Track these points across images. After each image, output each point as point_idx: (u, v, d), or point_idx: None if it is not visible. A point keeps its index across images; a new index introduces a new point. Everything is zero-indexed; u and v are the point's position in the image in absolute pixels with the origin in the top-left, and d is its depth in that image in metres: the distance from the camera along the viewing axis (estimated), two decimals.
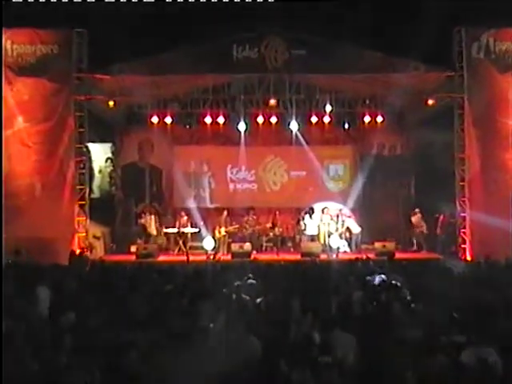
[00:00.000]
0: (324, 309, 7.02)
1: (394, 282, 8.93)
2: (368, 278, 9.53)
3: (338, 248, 17.19)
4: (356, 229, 17.79)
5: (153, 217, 18.33)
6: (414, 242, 17.87)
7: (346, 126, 18.07)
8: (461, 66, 15.69)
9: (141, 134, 18.45)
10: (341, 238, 17.83)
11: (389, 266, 11.61)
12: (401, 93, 16.34)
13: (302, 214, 18.03)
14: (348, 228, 17.78)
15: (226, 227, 17.97)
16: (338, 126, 18.37)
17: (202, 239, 17.84)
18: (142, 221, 18.35)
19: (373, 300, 7.74)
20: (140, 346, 5.35)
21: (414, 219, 18.08)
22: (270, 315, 6.86)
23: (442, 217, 17.39)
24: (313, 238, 17.51)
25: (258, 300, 7.94)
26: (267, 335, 5.91)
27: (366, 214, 19.04)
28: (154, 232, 18.17)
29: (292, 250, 18.62)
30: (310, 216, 17.70)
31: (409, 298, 8.03)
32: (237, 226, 18.22)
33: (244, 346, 5.78)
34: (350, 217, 18.22)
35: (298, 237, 18.16)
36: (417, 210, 18.08)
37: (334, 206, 18.33)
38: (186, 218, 18.16)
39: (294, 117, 18.37)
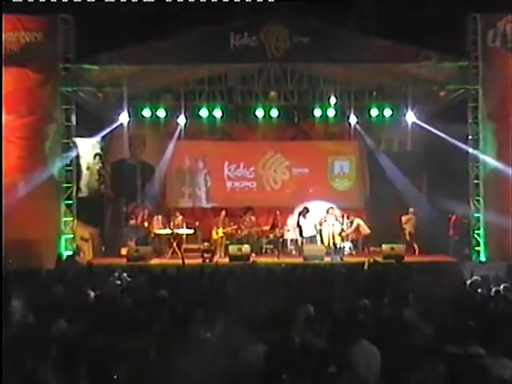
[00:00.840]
0: (341, 315, 6.98)
1: None
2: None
3: (344, 250, 17.14)
4: (366, 230, 17.72)
5: (145, 217, 18.27)
6: (415, 245, 17.86)
7: (352, 119, 18.02)
8: (475, 55, 15.61)
9: (132, 128, 18.38)
10: (346, 239, 17.80)
11: (397, 270, 11.56)
12: (411, 84, 16.33)
13: (296, 215, 17.98)
14: (357, 229, 17.69)
15: (224, 228, 17.92)
16: (343, 119, 18.30)
17: (197, 241, 17.80)
18: (133, 221, 18.31)
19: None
20: (129, 357, 5.31)
21: (403, 218, 18.07)
22: (272, 324, 6.80)
23: (454, 217, 17.34)
24: (312, 240, 17.48)
25: (260, 307, 7.87)
26: (269, 346, 5.86)
27: (373, 214, 19.00)
28: (147, 233, 18.12)
29: (294, 252, 18.59)
30: (304, 216, 17.63)
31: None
32: (235, 226, 18.18)
33: (244, 357, 5.73)
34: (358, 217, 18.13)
35: (299, 239, 18.12)
36: (411, 209, 18.06)
37: (324, 206, 18.30)
38: (180, 218, 18.14)
39: (296, 110, 18.35)
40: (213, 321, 6.68)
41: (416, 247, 17.74)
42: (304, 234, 17.57)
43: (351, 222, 17.87)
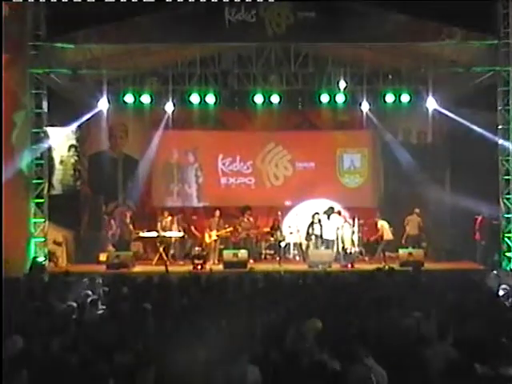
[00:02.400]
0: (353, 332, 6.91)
1: None
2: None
3: (355, 256, 17.07)
4: (390, 235, 17.56)
5: (127, 218, 18.21)
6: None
7: (364, 106, 17.93)
8: (506, 31, 15.53)
9: (112, 116, 18.29)
10: (358, 244, 17.72)
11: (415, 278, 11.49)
12: (432, 66, 16.25)
13: (316, 214, 17.87)
14: (380, 232, 17.52)
15: (218, 231, 17.86)
16: (354, 106, 18.24)
17: (187, 245, 17.72)
18: (114, 223, 18.22)
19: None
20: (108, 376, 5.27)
21: (406, 219, 18.00)
22: (275, 342, 6.73)
23: (481, 218, 17.25)
24: (327, 245, 17.43)
25: (260, 322, 7.81)
26: (272, 367, 5.80)
27: (387, 214, 18.91)
28: (129, 236, 18.07)
29: (298, 258, 18.54)
30: (328, 217, 17.60)
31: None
32: (230, 229, 18.12)
33: (241, 380, 5.65)
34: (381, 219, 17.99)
35: (305, 243, 18.06)
36: (417, 209, 17.97)
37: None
38: (168, 219, 18.06)
39: (300, 96, 18.26)
40: (203, 340, 6.58)
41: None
42: (325, 237, 17.37)
43: (373, 224, 17.74)
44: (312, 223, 17.52)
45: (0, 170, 14.59)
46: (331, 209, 17.90)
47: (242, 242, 17.97)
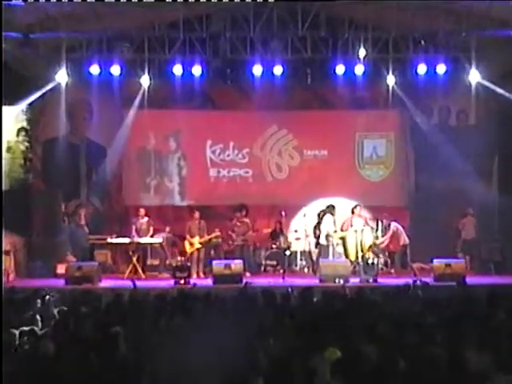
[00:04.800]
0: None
1: None
2: None
3: (378, 268, 17.04)
4: (405, 238, 17.61)
5: (82, 219, 18.15)
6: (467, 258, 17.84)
7: (390, 80, 17.86)
8: None
9: (73, 91, 18.23)
10: (381, 252, 17.70)
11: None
12: (476, 29, 16.17)
13: (318, 214, 17.89)
14: (393, 236, 17.57)
15: (204, 236, 17.82)
16: (377, 80, 18.20)
17: (167, 254, 17.68)
18: (75, 226, 18.17)
19: None
20: None
21: (461, 223, 18.14)
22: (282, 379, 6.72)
23: None
24: (331, 252, 17.47)
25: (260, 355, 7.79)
26: None
27: (419, 215, 18.90)
28: (86, 242, 18.04)
29: (306, 270, 18.49)
30: (333, 214, 17.60)
31: None
32: (218, 233, 18.14)
33: None
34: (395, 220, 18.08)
35: (315, 250, 18.05)
36: (470, 209, 18.11)
37: (349, 205, 18.27)
38: (142, 221, 17.99)
39: (309, 66, 18.19)
40: (189, 375, 6.57)
41: (468, 262, 17.69)
42: (323, 242, 17.50)
43: (387, 227, 17.75)
44: (321, 224, 17.61)
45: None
46: (331, 207, 17.83)
47: (236, 249, 18.01)
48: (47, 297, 11.33)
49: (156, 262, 18.34)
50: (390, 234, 17.75)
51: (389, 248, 18.03)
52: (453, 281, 14.50)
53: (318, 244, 17.83)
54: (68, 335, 8.72)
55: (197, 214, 17.99)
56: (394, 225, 17.76)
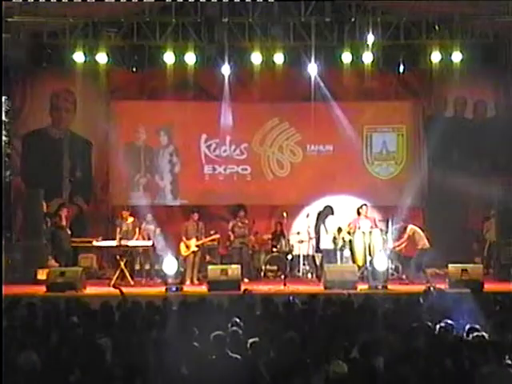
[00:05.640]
0: None
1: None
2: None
3: (388, 273, 17.05)
4: (425, 242, 17.55)
5: (63, 220, 18.15)
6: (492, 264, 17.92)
7: (402, 68, 17.87)
8: None
9: (55, 81, 18.22)
10: (392, 256, 17.69)
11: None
12: (495, 11, 16.15)
13: (313, 217, 17.89)
14: (410, 239, 17.50)
15: (199, 239, 17.80)
16: (387, 68, 18.23)
17: (158, 260, 17.66)
18: (57, 228, 18.17)
19: None
20: None
21: (486, 226, 18.25)
22: None
23: None
24: (337, 257, 17.51)
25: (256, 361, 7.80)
26: None
27: (434, 216, 18.90)
28: (68, 246, 18.05)
29: (310, 276, 18.49)
30: (323, 221, 17.56)
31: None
32: (217, 236, 18.11)
33: None
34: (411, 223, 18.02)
35: (318, 255, 18.04)
36: (492, 212, 18.17)
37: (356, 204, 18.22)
38: (128, 222, 17.91)
39: (313, 54, 18.22)
40: None
41: (487, 267, 17.73)
42: (322, 246, 17.49)
43: (401, 229, 17.72)
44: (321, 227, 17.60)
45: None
46: (329, 208, 17.79)
47: (233, 253, 17.98)
48: (29, 306, 11.31)
49: (146, 267, 18.27)
50: (405, 237, 17.65)
51: (403, 252, 17.95)
52: (469, 287, 14.50)
53: (318, 248, 17.80)
54: (51, 347, 8.71)
55: (195, 215, 17.90)
56: (410, 227, 17.64)
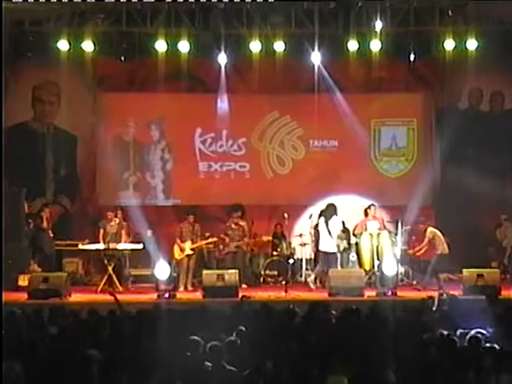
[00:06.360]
0: None
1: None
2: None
3: (397, 279, 17.04)
4: (445, 247, 17.52)
5: (44, 221, 18.13)
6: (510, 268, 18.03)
7: (412, 57, 17.87)
8: None
9: (37, 71, 18.21)
10: (402, 261, 17.70)
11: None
12: None
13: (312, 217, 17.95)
14: (431, 243, 17.48)
15: (194, 242, 17.81)
16: (396, 57, 18.24)
17: (149, 264, 17.67)
18: (40, 229, 18.16)
19: None
20: None
21: (499, 231, 18.35)
22: None
23: None
24: (342, 261, 17.57)
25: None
26: None
27: (446, 216, 18.91)
28: (50, 250, 18.00)
29: (314, 282, 18.47)
30: (327, 223, 17.52)
31: None
32: (214, 239, 18.16)
33: None
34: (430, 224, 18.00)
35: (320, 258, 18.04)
36: (503, 216, 18.28)
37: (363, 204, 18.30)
38: (113, 223, 17.89)
39: (316, 42, 18.23)
40: None
41: (509, 274, 17.87)
42: (322, 248, 17.47)
43: (420, 231, 17.70)
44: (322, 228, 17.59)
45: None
46: (332, 207, 17.75)
47: (230, 257, 17.99)
48: (10, 315, 11.31)
49: (136, 272, 18.26)
50: (426, 241, 17.59)
51: (419, 257, 17.90)
52: (485, 293, 14.49)
53: (317, 250, 17.80)
54: (33, 360, 8.70)
55: (191, 218, 17.85)
56: (430, 230, 17.57)
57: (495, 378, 7.56)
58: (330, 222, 17.39)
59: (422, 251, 17.62)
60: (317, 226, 17.73)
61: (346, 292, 15.86)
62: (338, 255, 17.52)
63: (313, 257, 18.43)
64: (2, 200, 15.42)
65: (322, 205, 18.81)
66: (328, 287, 16.45)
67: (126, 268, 18.01)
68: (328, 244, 17.32)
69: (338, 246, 17.53)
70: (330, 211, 17.57)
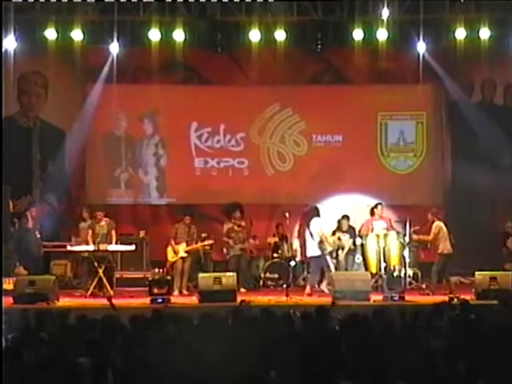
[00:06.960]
0: None
1: None
2: None
3: (405, 281, 17.05)
4: (448, 246, 17.52)
5: (29, 221, 18.12)
6: None
7: (421, 47, 17.88)
8: None
9: (24, 61, 18.21)
10: (411, 263, 17.72)
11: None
12: None
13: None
14: (436, 238, 17.51)
15: (189, 244, 17.82)
16: (404, 47, 18.26)
17: (142, 265, 17.70)
18: (23, 230, 18.19)
19: None
20: None
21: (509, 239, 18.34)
22: None
23: None
24: (348, 264, 17.70)
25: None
26: None
27: (457, 217, 18.91)
28: (38, 251, 18.00)
29: (317, 286, 18.48)
30: (308, 224, 17.54)
31: None
32: (211, 241, 18.18)
33: None
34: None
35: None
36: (509, 224, 18.32)
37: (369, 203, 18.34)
38: (101, 224, 17.88)
39: (319, 30, 18.23)
40: None
41: None
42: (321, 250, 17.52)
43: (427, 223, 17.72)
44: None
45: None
46: (314, 209, 17.76)
47: (234, 260, 18.00)
48: None
49: (128, 275, 18.27)
50: (431, 236, 17.44)
51: (420, 241, 17.91)
52: (499, 298, 14.50)
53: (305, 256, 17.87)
54: (18, 368, 8.71)
55: (187, 219, 17.84)
56: (437, 223, 17.36)
57: None
58: (310, 225, 17.40)
59: (423, 238, 17.57)
60: (300, 229, 17.77)
61: (351, 296, 15.84)
62: (328, 257, 17.41)
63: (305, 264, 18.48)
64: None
65: (325, 204, 18.96)
66: (332, 291, 16.47)
67: (117, 271, 18.04)
68: (312, 248, 17.37)
69: (322, 249, 17.51)
70: (311, 213, 17.60)
